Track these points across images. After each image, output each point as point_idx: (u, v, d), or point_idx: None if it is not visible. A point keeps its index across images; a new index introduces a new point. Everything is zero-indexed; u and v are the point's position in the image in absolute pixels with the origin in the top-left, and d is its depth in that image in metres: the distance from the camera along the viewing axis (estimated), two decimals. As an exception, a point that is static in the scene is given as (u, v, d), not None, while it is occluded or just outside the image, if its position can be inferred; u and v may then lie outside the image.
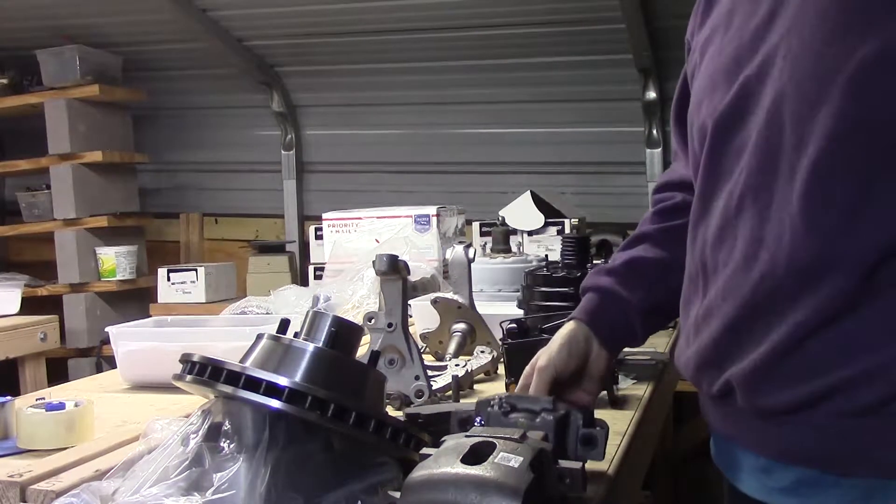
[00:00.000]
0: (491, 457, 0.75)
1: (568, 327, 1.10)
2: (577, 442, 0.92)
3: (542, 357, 1.05)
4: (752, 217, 0.88)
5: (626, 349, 1.60)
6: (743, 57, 0.91)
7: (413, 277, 1.38)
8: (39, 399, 1.19)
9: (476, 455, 0.76)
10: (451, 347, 1.60)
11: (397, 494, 0.74)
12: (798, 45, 0.84)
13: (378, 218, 2.62)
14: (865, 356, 0.81)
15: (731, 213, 0.90)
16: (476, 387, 1.47)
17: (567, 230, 2.79)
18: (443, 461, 0.76)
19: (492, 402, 0.94)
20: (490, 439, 0.79)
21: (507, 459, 0.75)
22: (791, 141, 0.84)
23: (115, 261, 3.66)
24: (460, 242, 1.72)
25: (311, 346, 0.85)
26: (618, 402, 1.32)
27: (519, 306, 1.60)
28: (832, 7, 0.81)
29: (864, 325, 0.81)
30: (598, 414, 1.26)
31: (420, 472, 0.74)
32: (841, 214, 0.81)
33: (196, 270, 3.65)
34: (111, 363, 2.75)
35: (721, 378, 0.92)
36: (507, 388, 1.33)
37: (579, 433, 0.92)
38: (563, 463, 0.82)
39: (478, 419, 0.92)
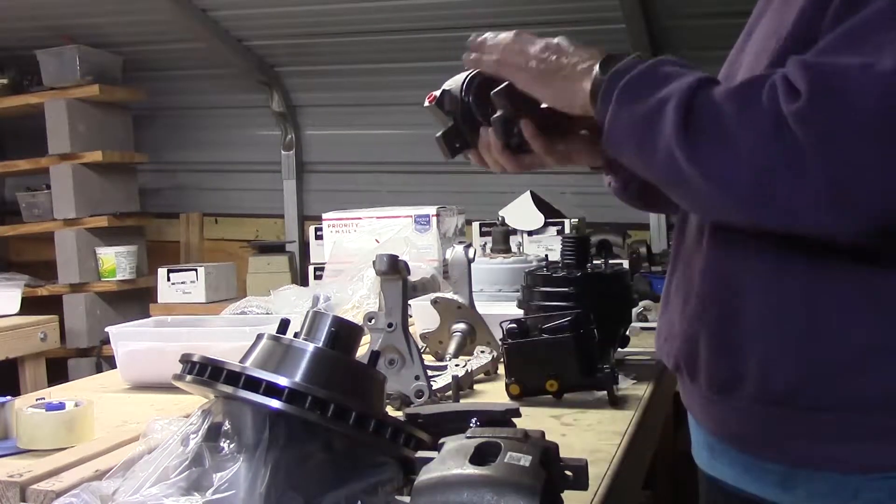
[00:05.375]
0: (499, 457, 0.75)
1: None
2: None
3: None
4: None
5: (626, 349, 1.62)
6: (737, 56, 0.97)
7: (413, 277, 1.38)
8: (39, 399, 1.19)
9: (482, 455, 0.76)
10: (451, 347, 1.60)
11: (406, 499, 0.74)
12: (743, 67, 0.92)
13: (378, 218, 2.62)
14: (764, 347, 0.85)
15: None
16: (476, 387, 1.46)
17: (567, 230, 2.79)
18: (451, 463, 0.75)
19: None
20: (494, 439, 0.79)
21: (517, 458, 0.75)
22: None
23: (115, 261, 3.66)
24: (460, 242, 1.72)
25: (311, 347, 0.85)
26: (618, 402, 1.32)
27: (519, 306, 1.60)
28: (762, 32, 0.89)
29: (763, 316, 0.85)
30: (599, 414, 1.28)
31: (430, 475, 0.74)
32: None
33: (196, 270, 3.65)
34: (111, 363, 2.75)
35: (671, 353, 0.98)
36: (507, 389, 1.33)
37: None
38: (567, 460, 0.82)
39: (474, 420, 0.92)
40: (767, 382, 0.85)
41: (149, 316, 2.79)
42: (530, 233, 2.82)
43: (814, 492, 0.85)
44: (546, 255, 1.86)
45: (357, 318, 1.34)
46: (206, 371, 0.81)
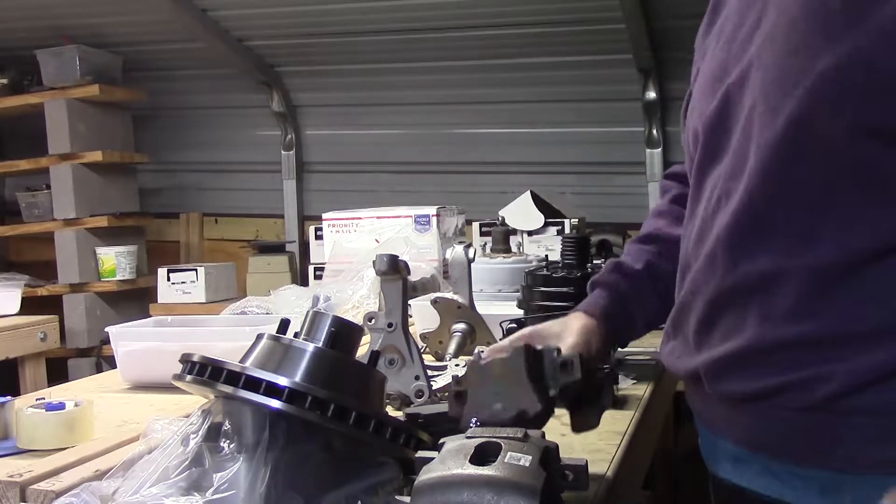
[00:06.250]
0: (500, 457, 0.75)
1: (580, 320, 1.10)
2: (553, 370, 0.92)
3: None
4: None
5: (626, 349, 1.61)
6: (729, 65, 0.93)
7: (413, 277, 1.38)
8: (39, 399, 1.19)
9: (482, 455, 0.76)
10: (451, 347, 1.60)
11: (406, 499, 0.74)
12: (769, 56, 0.87)
13: (378, 218, 2.62)
14: (815, 361, 0.83)
15: (708, 215, 0.94)
16: (476, 387, 1.46)
17: (567, 230, 2.78)
18: (451, 463, 0.75)
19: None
20: (494, 439, 0.79)
21: (517, 458, 0.75)
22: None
23: (115, 261, 3.65)
24: (460, 242, 1.72)
25: (311, 346, 0.85)
26: (618, 402, 1.32)
27: (519, 306, 1.60)
28: (799, 21, 0.84)
29: (815, 332, 0.84)
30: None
31: (430, 475, 0.74)
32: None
33: (196, 270, 3.65)
34: (111, 363, 2.75)
35: (692, 366, 0.96)
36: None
37: (556, 361, 0.92)
38: (567, 460, 0.82)
39: (473, 420, 0.92)
40: (806, 395, 0.84)
41: (149, 316, 2.79)
42: (530, 233, 2.82)
43: (860, 497, 0.82)
44: (546, 255, 1.86)
45: (357, 318, 1.34)
46: (206, 371, 0.81)
